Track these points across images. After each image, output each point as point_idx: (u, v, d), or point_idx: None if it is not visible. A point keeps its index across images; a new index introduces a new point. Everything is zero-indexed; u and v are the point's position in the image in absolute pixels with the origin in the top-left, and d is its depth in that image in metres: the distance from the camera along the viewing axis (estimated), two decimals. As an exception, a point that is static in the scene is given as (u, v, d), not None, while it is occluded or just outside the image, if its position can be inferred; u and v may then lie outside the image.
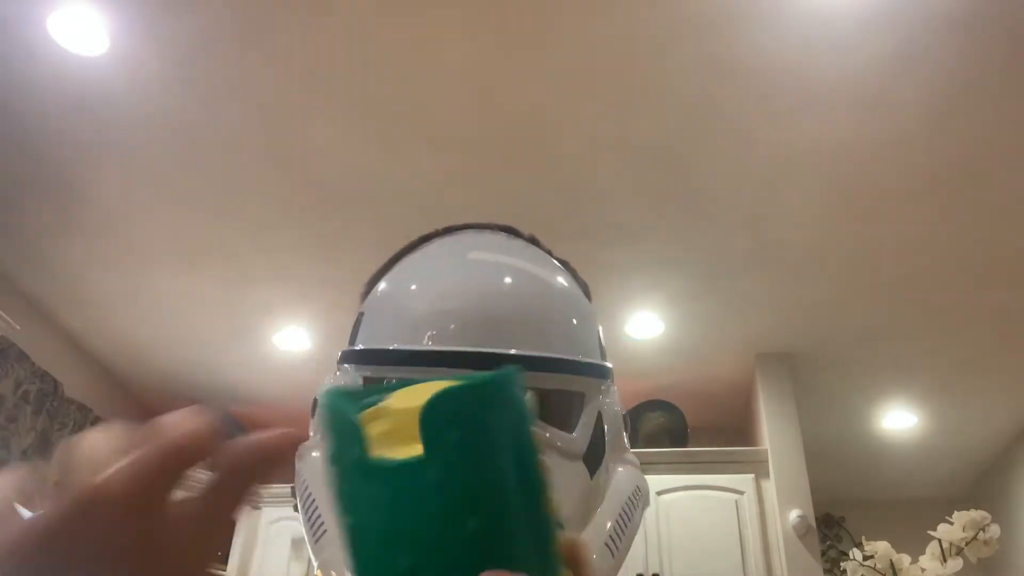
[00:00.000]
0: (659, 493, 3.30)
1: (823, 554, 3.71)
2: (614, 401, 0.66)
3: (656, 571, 3.14)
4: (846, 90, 2.35)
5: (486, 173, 2.70)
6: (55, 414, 3.35)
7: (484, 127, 2.56)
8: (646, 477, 0.71)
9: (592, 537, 0.54)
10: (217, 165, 2.69)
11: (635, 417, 3.77)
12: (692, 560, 3.14)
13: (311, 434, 0.63)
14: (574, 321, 0.64)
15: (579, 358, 0.61)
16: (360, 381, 0.60)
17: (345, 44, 2.31)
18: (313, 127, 2.55)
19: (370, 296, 0.68)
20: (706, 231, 2.92)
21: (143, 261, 3.18)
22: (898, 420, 4.01)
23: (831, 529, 4.44)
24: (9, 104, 2.52)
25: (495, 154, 2.64)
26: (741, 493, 3.27)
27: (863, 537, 1.73)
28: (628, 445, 0.68)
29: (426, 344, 0.58)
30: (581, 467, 0.57)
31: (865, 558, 1.61)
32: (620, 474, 0.63)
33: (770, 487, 3.28)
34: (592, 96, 2.43)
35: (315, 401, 0.64)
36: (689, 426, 3.71)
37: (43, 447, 3.26)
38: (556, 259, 0.72)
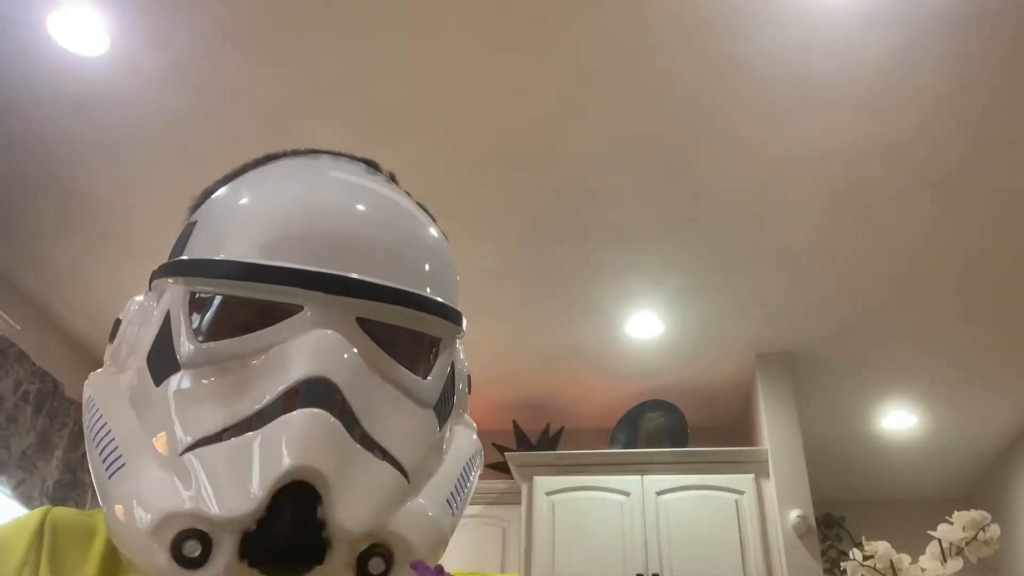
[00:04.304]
0: (659, 493, 3.30)
1: (823, 554, 3.71)
2: (463, 359, 0.61)
3: (656, 571, 3.14)
4: (846, 90, 2.35)
5: (486, 174, 2.70)
6: (55, 414, 3.35)
7: (484, 127, 2.56)
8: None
9: (435, 491, 0.50)
10: (217, 165, 2.68)
11: (635, 417, 3.77)
12: (692, 560, 3.14)
13: (106, 361, 0.57)
14: (439, 261, 0.58)
15: (441, 300, 0.55)
16: (186, 298, 0.52)
17: (345, 45, 2.31)
18: (313, 128, 2.55)
19: (203, 205, 0.59)
20: (706, 231, 2.92)
21: (143, 261, 3.17)
22: (898, 420, 4.00)
23: (831, 529, 4.44)
24: (9, 104, 2.52)
25: (495, 155, 2.64)
26: (741, 493, 3.27)
27: (863, 537, 1.73)
28: (467, 408, 0.62)
29: (273, 260, 0.50)
30: (431, 416, 0.53)
31: (865, 558, 1.61)
32: (462, 433, 0.58)
33: (770, 487, 3.28)
34: (592, 96, 2.43)
35: (116, 322, 0.58)
36: (689, 426, 3.71)
37: (43, 447, 3.26)
38: (415, 201, 0.64)
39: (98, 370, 0.57)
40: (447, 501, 0.50)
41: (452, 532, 0.50)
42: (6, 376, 3.09)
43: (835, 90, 2.35)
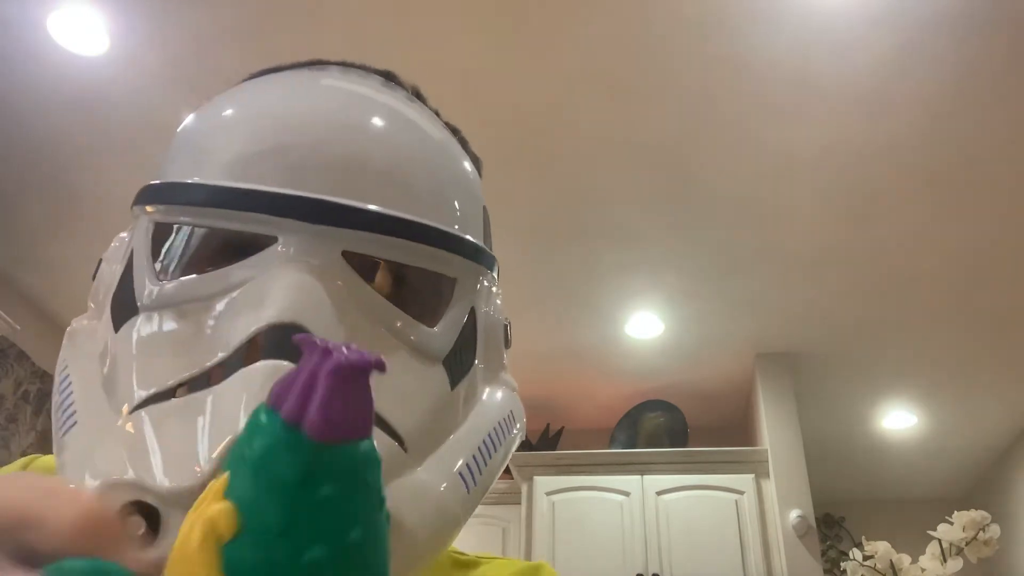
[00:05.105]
0: (659, 493, 3.30)
1: (823, 554, 3.71)
2: (496, 306, 0.51)
3: (656, 571, 3.14)
4: (846, 90, 2.35)
5: (486, 173, 2.69)
6: (55, 414, 3.35)
7: (484, 127, 2.56)
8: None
9: (443, 463, 0.41)
10: (217, 165, 2.69)
11: (635, 417, 3.77)
12: (692, 560, 3.14)
13: (90, 305, 0.51)
14: (456, 187, 0.49)
15: (455, 230, 0.46)
16: (150, 230, 0.45)
17: (344, 44, 2.31)
18: (313, 127, 2.55)
19: (182, 126, 0.51)
20: (706, 231, 2.92)
21: (143, 261, 3.18)
22: (898, 420, 4.01)
23: (831, 529, 4.45)
24: (9, 104, 2.52)
25: (495, 154, 2.64)
26: (741, 493, 3.27)
27: (863, 537, 1.73)
28: (507, 364, 0.52)
29: (244, 182, 0.42)
30: (439, 372, 0.43)
31: (865, 558, 1.61)
32: (491, 395, 0.48)
33: (770, 487, 3.28)
34: (592, 96, 2.43)
35: (99, 263, 0.51)
36: (689, 426, 3.72)
37: (43, 447, 3.26)
38: (445, 122, 0.55)
39: (81, 315, 0.51)
40: (459, 474, 0.41)
41: (467, 511, 0.42)
42: (6, 376, 3.09)
43: (835, 90, 2.35)
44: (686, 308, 3.34)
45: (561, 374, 3.83)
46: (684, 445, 3.60)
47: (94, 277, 0.51)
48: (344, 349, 0.23)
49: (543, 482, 3.42)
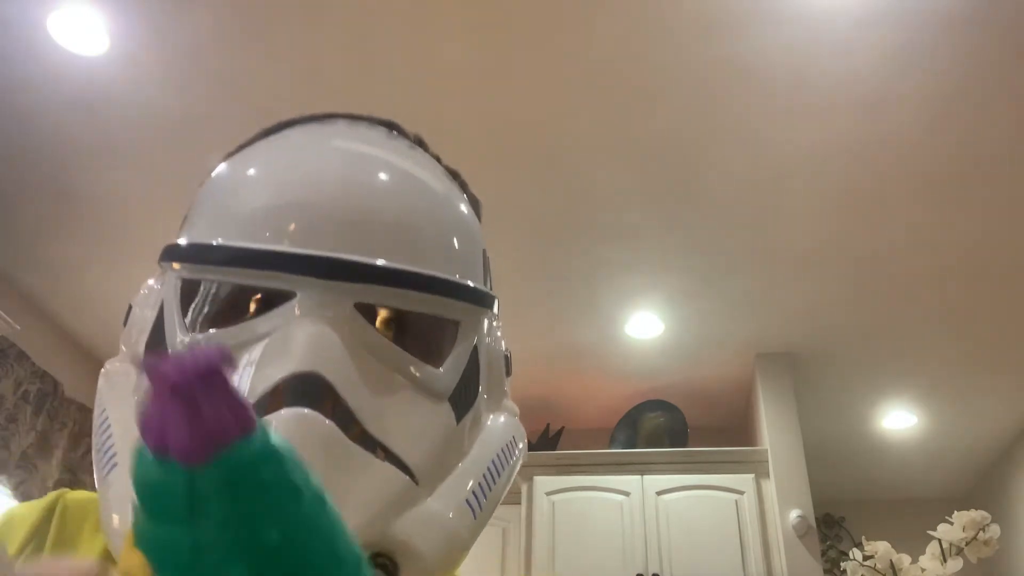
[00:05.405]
0: (659, 493, 3.30)
1: (823, 554, 3.71)
2: (497, 339, 0.56)
3: (656, 571, 3.13)
4: (846, 90, 2.35)
5: (486, 173, 2.70)
6: (55, 414, 3.35)
7: (484, 127, 2.56)
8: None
9: (451, 492, 0.45)
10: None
11: (635, 417, 3.77)
12: (692, 560, 3.14)
13: (122, 348, 0.54)
14: (456, 235, 0.53)
15: (456, 278, 0.50)
16: (177, 285, 0.49)
17: (345, 45, 2.31)
18: (313, 127, 2.55)
19: (205, 184, 0.55)
20: (706, 231, 2.92)
21: (143, 261, 3.17)
22: (898, 420, 4.01)
23: (831, 529, 4.45)
24: (9, 104, 2.52)
25: (495, 154, 2.64)
26: (741, 493, 3.27)
27: (863, 537, 1.73)
28: (508, 391, 0.57)
29: (263, 242, 0.46)
30: (445, 409, 0.48)
31: (865, 558, 1.61)
32: (494, 423, 0.52)
33: (770, 487, 3.28)
34: (593, 97, 2.43)
35: (129, 308, 0.55)
36: (689, 426, 3.71)
37: (43, 447, 3.26)
38: (445, 167, 0.59)
39: (114, 358, 0.54)
40: (466, 502, 0.45)
41: (474, 536, 0.45)
42: (6, 376, 3.09)
43: (835, 90, 2.35)
44: (686, 308, 3.34)
45: (561, 374, 3.83)
46: (684, 445, 3.60)
47: (125, 322, 0.55)
48: (185, 360, 0.22)
49: (543, 482, 3.42)
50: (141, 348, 0.50)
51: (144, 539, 0.23)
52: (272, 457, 0.23)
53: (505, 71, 2.37)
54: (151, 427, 0.22)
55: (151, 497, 0.23)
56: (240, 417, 0.23)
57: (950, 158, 2.55)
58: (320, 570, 0.23)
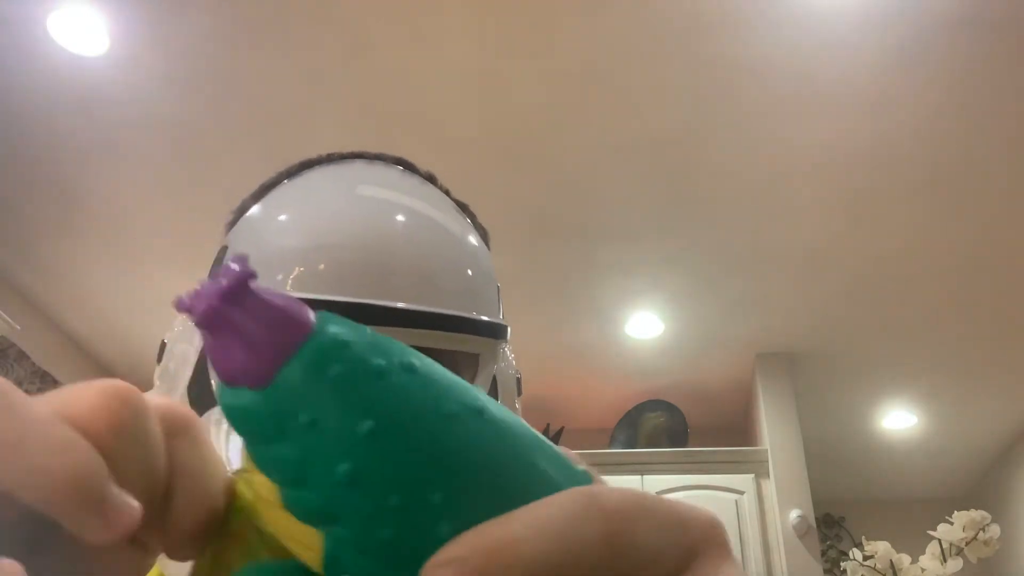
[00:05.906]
0: (659, 493, 3.29)
1: (823, 554, 3.71)
2: (510, 363, 0.60)
3: (656, 571, 3.13)
4: (846, 90, 2.35)
5: (486, 173, 2.70)
6: (55, 414, 3.35)
7: (484, 127, 2.56)
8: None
9: None
10: (217, 165, 2.69)
11: (635, 417, 3.77)
12: (692, 560, 3.14)
13: (156, 382, 0.57)
14: (471, 273, 0.56)
15: (475, 315, 0.54)
16: None
17: (346, 44, 2.31)
18: (313, 127, 2.55)
19: (236, 226, 0.58)
20: (706, 231, 2.92)
21: (143, 261, 3.18)
22: (898, 420, 4.01)
23: (831, 529, 4.44)
24: (9, 104, 2.52)
25: (495, 154, 2.64)
26: (741, 493, 3.27)
27: (863, 537, 1.73)
28: (519, 408, 0.62)
29: (293, 288, 0.49)
30: None
31: (865, 558, 1.61)
32: None
33: (770, 487, 3.28)
34: (592, 96, 2.43)
35: (162, 344, 0.57)
36: (689, 426, 3.71)
37: (43, 447, 3.25)
38: (454, 200, 0.63)
39: (147, 392, 0.55)
40: None
41: None
42: (6, 376, 3.09)
43: (835, 90, 2.35)
44: (686, 308, 3.34)
45: (561, 374, 3.83)
46: (684, 445, 3.59)
47: (159, 360, 0.57)
48: (203, 287, 0.21)
49: (543, 482, 3.42)
50: (183, 382, 0.53)
51: (256, 462, 0.22)
52: (334, 351, 0.21)
53: (506, 71, 2.37)
54: (215, 361, 0.22)
55: (241, 426, 0.22)
56: (288, 322, 0.21)
57: (950, 158, 2.55)
58: (430, 432, 0.21)
